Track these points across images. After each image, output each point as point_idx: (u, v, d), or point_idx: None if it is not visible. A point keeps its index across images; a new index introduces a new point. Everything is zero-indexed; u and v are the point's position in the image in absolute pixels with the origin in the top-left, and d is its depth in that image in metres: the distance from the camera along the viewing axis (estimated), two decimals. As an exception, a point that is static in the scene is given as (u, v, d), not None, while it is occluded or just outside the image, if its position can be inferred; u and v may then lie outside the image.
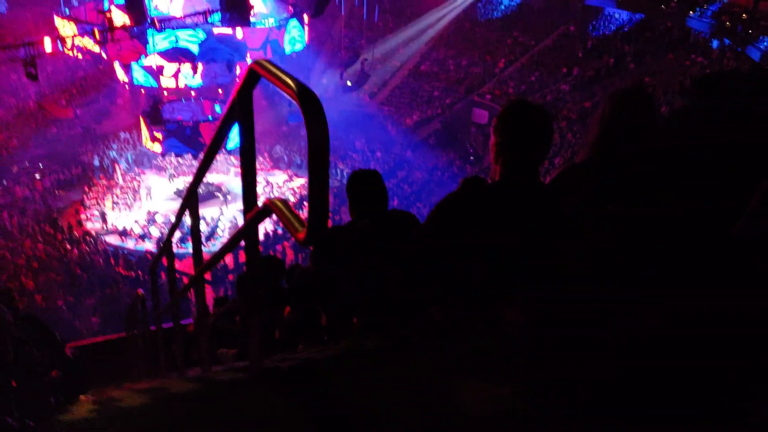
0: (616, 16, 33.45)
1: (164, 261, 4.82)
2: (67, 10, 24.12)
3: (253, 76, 2.05)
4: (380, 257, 3.19)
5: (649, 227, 2.17)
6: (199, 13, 20.25)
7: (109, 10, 20.22)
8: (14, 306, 3.66)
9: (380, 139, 32.12)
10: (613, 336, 2.01)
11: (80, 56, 22.95)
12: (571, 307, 2.17)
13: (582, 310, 2.14)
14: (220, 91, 27.69)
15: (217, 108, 25.44)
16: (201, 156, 2.95)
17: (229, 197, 26.32)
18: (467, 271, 2.53)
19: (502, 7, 37.29)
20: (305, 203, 1.79)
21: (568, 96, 29.89)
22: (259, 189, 26.41)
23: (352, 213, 3.53)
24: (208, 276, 3.56)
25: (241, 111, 2.18)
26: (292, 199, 26.69)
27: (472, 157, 29.06)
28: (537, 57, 33.45)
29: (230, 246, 2.76)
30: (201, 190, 3.44)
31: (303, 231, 1.67)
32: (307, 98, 1.60)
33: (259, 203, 2.15)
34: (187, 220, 3.38)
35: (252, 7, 20.20)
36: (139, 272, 21.35)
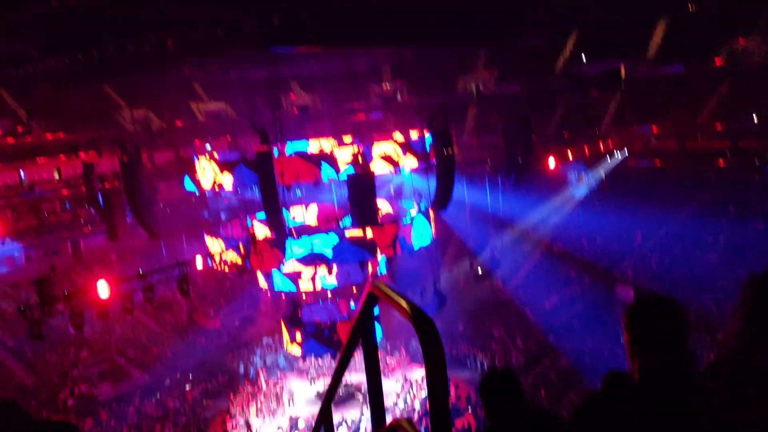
0: None
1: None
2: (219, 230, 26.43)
3: (371, 299, 2.24)
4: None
5: None
6: (332, 220, 21.38)
7: (252, 226, 21.86)
8: None
9: (519, 326, 31.14)
10: None
11: (227, 269, 24.64)
12: None
13: None
14: (354, 290, 28.39)
15: (352, 305, 25.96)
16: (338, 357, 3.09)
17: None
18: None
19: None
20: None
21: (719, 267, 27.63)
22: (397, 387, 25.93)
23: (488, 416, 3.44)
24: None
25: (364, 332, 2.34)
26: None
27: (622, 339, 27.08)
28: (679, 227, 31.74)
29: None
30: (340, 391, 3.33)
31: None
32: (420, 321, 1.72)
33: (390, 413, 2.09)
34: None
35: (379, 209, 21.08)
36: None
